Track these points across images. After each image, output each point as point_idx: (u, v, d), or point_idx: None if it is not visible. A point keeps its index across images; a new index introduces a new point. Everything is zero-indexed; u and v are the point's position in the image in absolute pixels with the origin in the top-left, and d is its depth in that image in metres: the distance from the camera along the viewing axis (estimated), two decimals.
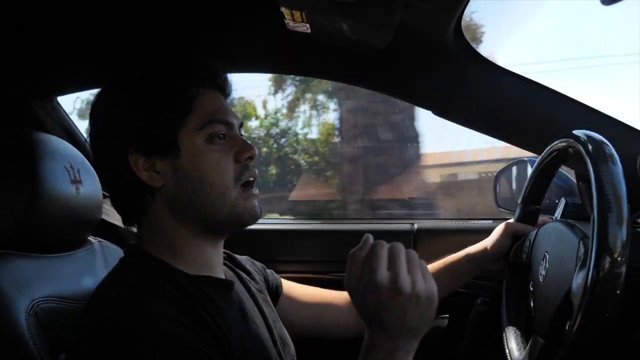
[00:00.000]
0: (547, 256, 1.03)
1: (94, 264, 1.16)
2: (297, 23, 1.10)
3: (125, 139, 0.94)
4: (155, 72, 0.99)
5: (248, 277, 1.16)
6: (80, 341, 0.83)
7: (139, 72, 0.99)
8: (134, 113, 0.95)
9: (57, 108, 1.55)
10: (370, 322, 0.81)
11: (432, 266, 1.33)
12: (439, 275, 1.30)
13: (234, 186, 0.96)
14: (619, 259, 0.76)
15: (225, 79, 1.05)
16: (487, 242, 1.32)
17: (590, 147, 0.88)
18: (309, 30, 1.12)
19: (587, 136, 0.91)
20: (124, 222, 1.03)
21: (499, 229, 1.31)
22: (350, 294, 0.82)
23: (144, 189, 0.95)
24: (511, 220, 1.32)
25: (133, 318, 0.80)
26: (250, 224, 0.99)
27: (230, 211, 0.96)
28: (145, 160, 0.94)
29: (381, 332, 0.80)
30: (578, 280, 0.85)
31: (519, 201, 1.29)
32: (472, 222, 1.77)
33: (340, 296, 1.34)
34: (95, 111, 0.99)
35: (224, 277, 1.03)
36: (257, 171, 1.00)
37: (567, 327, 0.85)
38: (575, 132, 0.96)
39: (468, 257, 1.33)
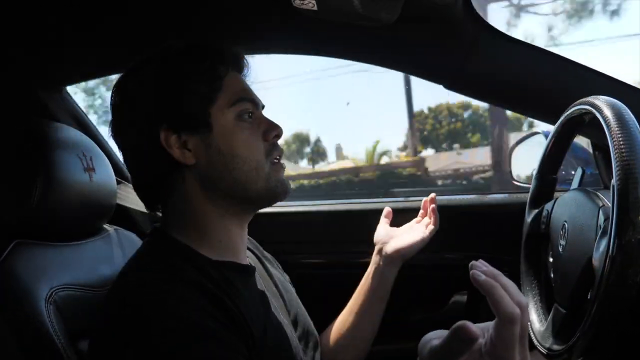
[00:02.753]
0: (566, 226, 1.02)
1: (110, 251, 1.17)
2: (303, 0, 1.09)
3: (157, 116, 0.95)
4: (185, 52, 0.99)
5: (269, 264, 1.16)
6: (104, 326, 0.83)
7: (168, 51, 0.99)
8: (166, 90, 0.95)
9: (67, 98, 1.55)
10: None
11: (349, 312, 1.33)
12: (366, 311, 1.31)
13: (266, 161, 0.98)
14: None
15: (247, 62, 1.06)
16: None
17: (607, 112, 0.85)
18: (315, 7, 1.10)
19: (605, 102, 0.89)
20: (147, 208, 1.03)
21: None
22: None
23: (173, 168, 0.96)
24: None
25: (156, 304, 0.80)
26: (283, 198, 1.01)
27: (264, 184, 0.98)
28: (176, 138, 0.94)
29: None
30: (599, 249, 0.84)
31: (535, 172, 1.27)
32: (487, 196, 1.76)
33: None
34: (124, 91, 0.99)
35: (247, 263, 1.03)
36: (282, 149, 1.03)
37: (589, 297, 0.84)
38: (591, 98, 0.94)
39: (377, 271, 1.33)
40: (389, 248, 1.31)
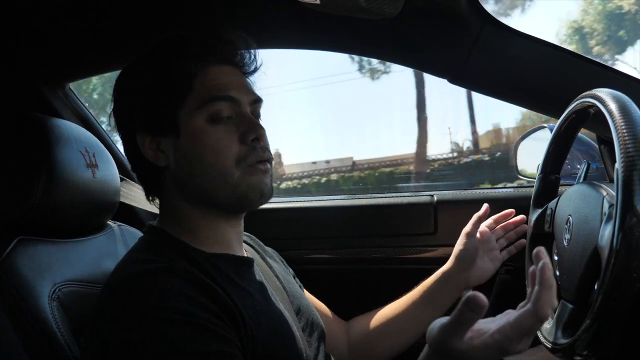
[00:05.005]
0: (571, 219, 1.01)
1: (114, 248, 1.17)
2: None
3: (132, 118, 0.96)
4: (156, 51, 0.97)
5: (271, 259, 1.16)
6: (97, 318, 0.83)
7: (149, 50, 0.99)
8: (136, 92, 0.95)
9: (70, 94, 1.55)
10: None
11: (411, 299, 1.31)
12: (421, 311, 1.28)
13: (236, 167, 0.93)
14: None
15: (239, 52, 1.00)
16: (456, 252, 1.31)
17: (611, 105, 0.85)
18: (318, 1, 1.10)
19: (608, 94, 0.88)
20: (148, 198, 1.04)
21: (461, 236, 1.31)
22: (450, 348, 0.74)
23: (153, 168, 0.96)
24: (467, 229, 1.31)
25: (147, 295, 0.80)
26: (258, 203, 0.97)
27: (232, 192, 0.93)
28: (151, 140, 0.95)
29: None
30: (605, 235, 0.83)
31: (538, 171, 1.26)
32: (492, 191, 1.75)
33: (339, 324, 1.32)
34: (114, 91, 1.00)
35: (243, 255, 1.03)
36: (267, 152, 0.96)
37: (595, 287, 0.84)
38: (595, 91, 0.93)
39: (441, 276, 1.30)
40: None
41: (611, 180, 1.32)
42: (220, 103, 0.93)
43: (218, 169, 0.92)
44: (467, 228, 1.30)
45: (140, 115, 0.95)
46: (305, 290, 1.27)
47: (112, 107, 1.00)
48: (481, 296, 0.69)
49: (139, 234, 1.27)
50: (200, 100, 0.93)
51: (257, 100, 1.00)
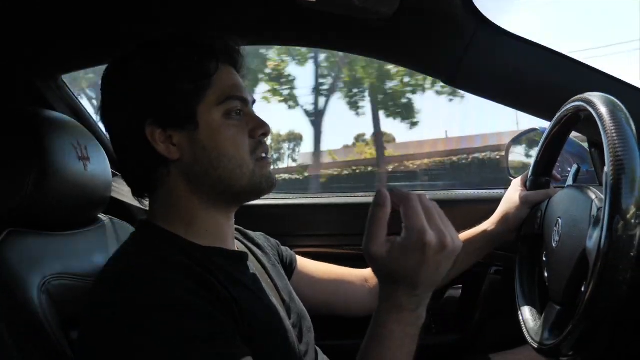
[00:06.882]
0: (560, 221, 1.02)
1: (105, 241, 1.16)
2: None
3: (143, 110, 0.94)
4: (173, 46, 0.98)
5: (260, 252, 1.17)
6: (93, 313, 0.83)
7: (159, 44, 0.98)
8: (153, 84, 0.94)
9: (62, 86, 1.54)
10: (400, 282, 0.78)
11: None
12: None
13: (250, 159, 0.97)
14: (633, 221, 0.75)
15: (241, 55, 1.05)
16: (508, 216, 1.29)
17: (602, 109, 0.85)
18: (314, 0, 1.10)
19: (599, 98, 0.89)
20: (134, 195, 1.03)
21: (515, 200, 1.28)
22: (373, 256, 0.77)
23: (158, 161, 0.96)
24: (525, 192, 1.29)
25: (144, 286, 0.80)
26: (268, 192, 1.02)
27: (249, 182, 0.97)
28: (161, 133, 0.94)
29: (410, 291, 0.78)
30: (592, 237, 0.84)
31: (530, 173, 1.27)
32: (482, 191, 1.76)
33: (354, 273, 1.35)
34: (111, 82, 0.99)
35: (236, 249, 1.03)
36: (269, 146, 1.02)
37: (582, 289, 0.85)
38: (586, 94, 0.94)
39: (484, 234, 1.31)
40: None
41: (601, 184, 1.33)
42: (235, 101, 0.98)
43: (237, 159, 0.96)
44: (536, 197, 1.26)
45: (155, 108, 0.94)
46: (310, 260, 1.34)
47: (110, 98, 0.98)
48: (383, 189, 0.77)
49: (131, 227, 1.26)
50: (219, 98, 0.96)
51: (254, 101, 1.05)
